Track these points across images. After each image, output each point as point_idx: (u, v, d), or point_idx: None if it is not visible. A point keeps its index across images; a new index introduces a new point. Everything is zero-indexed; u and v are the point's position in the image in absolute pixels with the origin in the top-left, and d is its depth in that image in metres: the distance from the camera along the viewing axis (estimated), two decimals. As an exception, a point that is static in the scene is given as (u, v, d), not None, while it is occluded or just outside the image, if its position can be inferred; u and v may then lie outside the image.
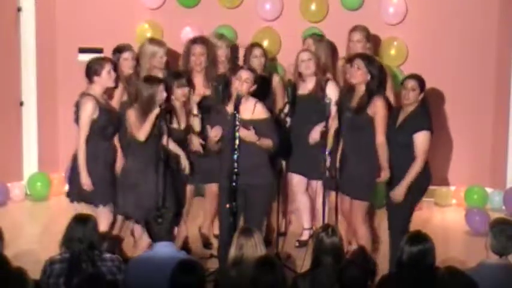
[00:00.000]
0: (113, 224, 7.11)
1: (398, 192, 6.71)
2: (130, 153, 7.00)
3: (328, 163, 7.11)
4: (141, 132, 6.84)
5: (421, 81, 6.84)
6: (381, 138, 6.82)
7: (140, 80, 7.15)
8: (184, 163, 7.11)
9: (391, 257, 6.76)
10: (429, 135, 6.74)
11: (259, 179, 6.78)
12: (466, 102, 9.58)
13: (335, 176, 6.97)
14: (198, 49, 7.72)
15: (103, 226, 6.84)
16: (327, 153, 7.16)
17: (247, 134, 6.66)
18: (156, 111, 6.80)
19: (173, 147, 7.04)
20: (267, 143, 6.75)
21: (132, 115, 6.90)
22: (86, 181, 6.87)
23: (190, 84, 7.38)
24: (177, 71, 7.66)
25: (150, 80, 7.04)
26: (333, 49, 8.46)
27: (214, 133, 6.76)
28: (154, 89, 6.86)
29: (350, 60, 7.21)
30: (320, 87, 7.67)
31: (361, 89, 6.95)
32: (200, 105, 7.45)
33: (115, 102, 7.24)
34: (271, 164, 6.96)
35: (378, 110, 6.83)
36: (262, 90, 7.19)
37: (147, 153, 6.87)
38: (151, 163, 6.83)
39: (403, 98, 6.82)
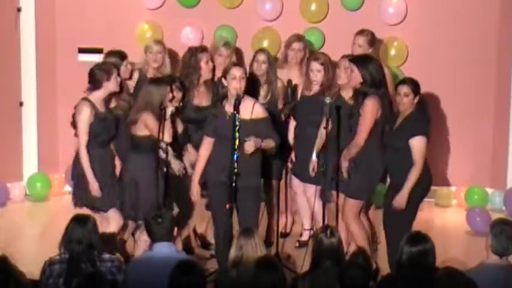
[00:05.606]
0: (125, 226, 7.09)
1: (400, 200, 6.68)
2: (132, 155, 6.98)
3: (315, 165, 7.19)
4: (166, 134, 6.79)
5: (414, 85, 6.77)
6: (359, 138, 6.76)
7: (147, 83, 7.14)
8: (177, 167, 7.10)
9: (390, 258, 6.75)
10: (425, 140, 6.68)
11: (254, 179, 6.76)
12: (466, 103, 9.57)
13: (336, 178, 6.96)
14: (207, 57, 7.64)
15: (112, 228, 6.86)
16: (314, 156, 7.26)
17: (250, 144, 6.53)
18: (171, 109, 6.82)
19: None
20: (270, 144, 6.68)
21: (150, 119, 6.84)
22: (94, 187, 6.82)
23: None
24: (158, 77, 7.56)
25: (158, 81, 7.07)
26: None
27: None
28: (163, 90, 6.89)
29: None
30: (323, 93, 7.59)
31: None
32: (196, 116, 7.44)
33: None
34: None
35: (364, 109, 6.76)
36: (251, 86, 7.08)
37: (150, 154, 6.86)
38: (153, 164, 6.82)
39: (398, 104, 6.79)
